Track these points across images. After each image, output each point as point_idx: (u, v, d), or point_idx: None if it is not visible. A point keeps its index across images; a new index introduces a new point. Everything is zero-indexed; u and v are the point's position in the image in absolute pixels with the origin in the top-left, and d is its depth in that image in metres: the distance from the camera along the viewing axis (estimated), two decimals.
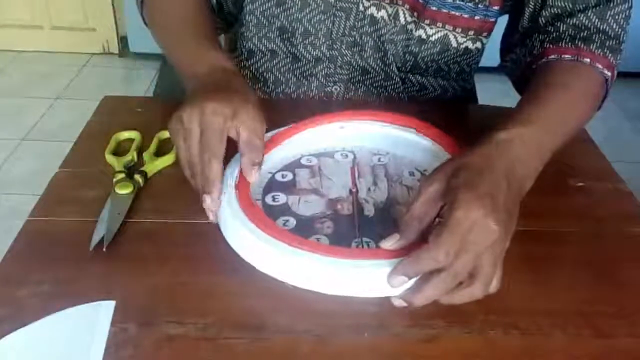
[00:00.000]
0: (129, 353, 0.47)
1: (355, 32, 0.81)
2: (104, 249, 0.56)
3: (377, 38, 0.81)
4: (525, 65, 0.75)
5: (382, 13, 0.79)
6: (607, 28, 0.71)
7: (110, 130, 0.74)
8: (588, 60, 0.68)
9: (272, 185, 0.64)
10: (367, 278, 0.51)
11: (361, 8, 0.79)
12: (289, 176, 0.66)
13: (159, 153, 0.71)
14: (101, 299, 0.52)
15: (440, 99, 0.89)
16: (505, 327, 0.51)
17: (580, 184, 0.69)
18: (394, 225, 0.59)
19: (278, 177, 0.66)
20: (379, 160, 0.69)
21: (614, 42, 0.70)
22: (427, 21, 0.79)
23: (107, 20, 2.82)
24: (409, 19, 0.79)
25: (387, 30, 0.80)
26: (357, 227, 0.59)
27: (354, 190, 0.64)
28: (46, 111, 2.41)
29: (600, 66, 0.69)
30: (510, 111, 0.60)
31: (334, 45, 0.82)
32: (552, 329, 0.51)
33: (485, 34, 0.82)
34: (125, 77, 2.77)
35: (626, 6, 0.72)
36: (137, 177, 0.66)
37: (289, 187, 0.64)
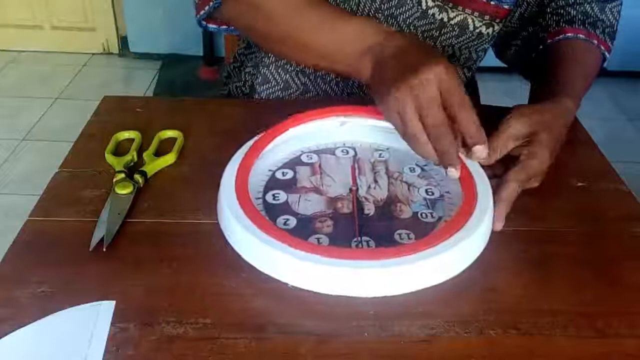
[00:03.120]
0: (129, 353, 0.47)
1: (380, 15, 0.81)
2: (104, 249, 0.56)
3: (403, 21, 0.81)
4: (539, 41, 0.86)
5: None
6: (606, 18, 0.84)
7: (110, 130, 0.74)
8: (595, 42, 0.82)
9: (272, 183, 0.64)
10: (366, 278, 0.51)
11: None
12: (290, 174, 0.66)
13: (159, 153, 0.70)
14: (101, 299, 0.52)
15: None
16: (505, 327, 0.51)
17: (580, 184, 0.69)
18: (394, 224, 0.60)
19: (278, 174, 0.66)
20: (379, 155, 0.69)
21: (611, 30, 0.84)
22: (450, 4, 0.80)
23: (107, 20, 2.82)
24: (430, 3, 0.80)
25: (410, 14, 0.81)
26: (357, 226, 0.59)
27: (354, 188, 0.64)
28: (46, 111, 2.41)
29: (603, 48, 0.82)
30: (561, 76, 0.76)
31: None
32: (553, 329, 0.51)
33: (498, 20, 0.83)
34: (125, 77, 2.77)
35: (618, 2, 0.86)
36: (137, 177, 0.66)
37: (290, 185, 0.64)
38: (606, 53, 0.82)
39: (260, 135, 0.66)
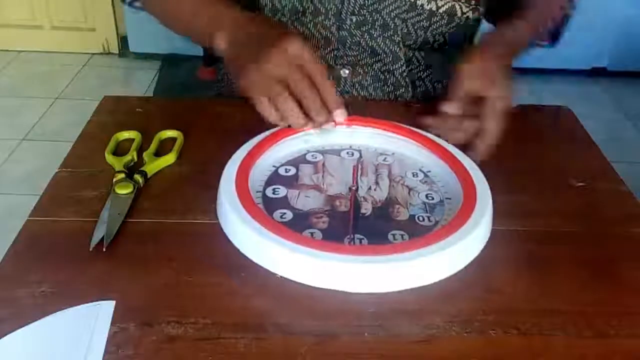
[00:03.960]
0: (129, 353, 0.47)
1: (364, 11, 0.82)
2: (104, 249, 0.56)
3: (387, 15, 0.82)
4: None
5: None
6: None
7: (110, 130, 0.74)
8: None
9: (274, 179, 0.65)
10: (357, 273, 0.52)
11: None
12: (292, 171, 0.66)
13: (159, 153, 0.71)
14: (101, 299, 0.52)
15: (441, 83, 0.92)
16: (505, 327, 0.51)
17: (580, 184, 0.69)
18: (389, 225, 0.60)
19: (281, 171, 0.66)
20: (384, 159, 0.69)
21: None
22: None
23: (107, 20, 2.83)
24: None
25: (395, 6, 0.81)
26: (352, 224, 0.59)
27: (353, 188, 0.64)
28: (46, 111, 2.41)
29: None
30: (520, 11, 0.81)
31: (344, 25, 0.83)
32: (552, 329, 0.51)
33: (480, 3, 0.86)
34: (125, 77, 2.77)
35: None
36: (137, 177, 0.66)
37: (291, 182, 0.64)
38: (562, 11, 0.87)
39: (266, 134, 0.67)
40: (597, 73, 2.77)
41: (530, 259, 0.59)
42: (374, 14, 0.82)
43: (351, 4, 0.81)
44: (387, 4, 0.81)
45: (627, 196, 0.68)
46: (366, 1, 0.81)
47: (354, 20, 0.82)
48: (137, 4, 0.86)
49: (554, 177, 0.70)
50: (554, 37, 0.90)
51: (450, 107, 0.69)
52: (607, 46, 2.70)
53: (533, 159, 0.74)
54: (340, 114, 0.66)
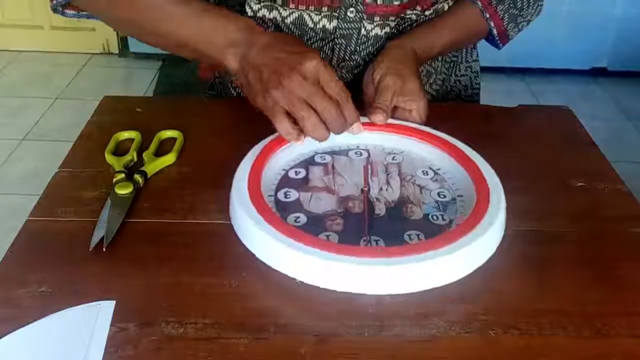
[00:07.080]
0: (129, 353, 0.47)
1: (356, 56, 0.81)
2: (104, 249, 0.56)
3: (381, 48, 0.79)
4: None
5: (387, 29, 0.80)
6: (520, 3, 0.85)
7: (110, 130, 0.74)
8: (488, 15, 0.84)
9: (284, 182, 0.65)
10: (373, 276, 0.52)
11: (363, 32, 0.79)
12: (302, 173, 0.66)
13: (159, 153, 0.71)
14: (101, 299, 0.52)
15: (444, 89, 0.91)
16: (505, 327, 0.51)
17: (581, 184, 0.69)
18: (404, 224, 0.60)
19: (291, 173, 0.66)
20: (393, 158, 0.69)
21: (515, 11, 0.85)
22: (429, 11, 0.82)
23: None
24: (413, 18, 0.80)
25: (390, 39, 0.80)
26: (367, 225, 0.59)
27: (365, 188, 0.64)
28: (46, 111, 2.41)
29: (492, 24, 0.84)
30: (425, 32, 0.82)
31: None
32: (552, 329, 0.51)
33: None
34: (125, 77, 2.77)
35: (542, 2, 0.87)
36: (137, 177, 0.66)
37: (301, 184, 0.64)
38: (494, 29, 0.85)
39: (271, 138, 0.66)
40: (597, 73, 2.77)
41: (530, 258, 0.59)
42: (366, 57, 0.81)
43: (342, 51, 0.81)
44: (382, 43, 0.80)
45: (627, 196, 0.68)
46: (358, 47, 0.80)
47: (346, 66, 0.81)
48: (70, 11, 0.77)
49: (554, 177, 0.70)
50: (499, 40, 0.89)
51: (378, 118, 0.70)
52: (607, 46, 2.70)
53: (533, 159, 0.74)
54: (357, 127, 0.65)
